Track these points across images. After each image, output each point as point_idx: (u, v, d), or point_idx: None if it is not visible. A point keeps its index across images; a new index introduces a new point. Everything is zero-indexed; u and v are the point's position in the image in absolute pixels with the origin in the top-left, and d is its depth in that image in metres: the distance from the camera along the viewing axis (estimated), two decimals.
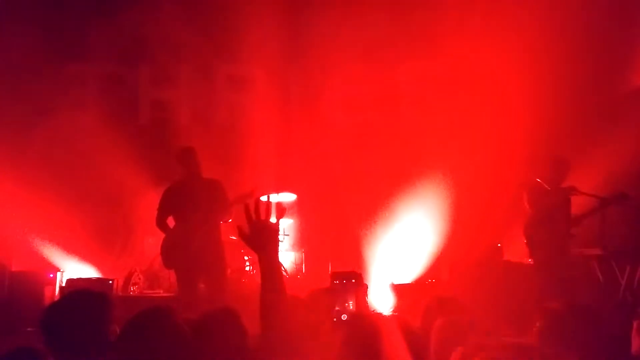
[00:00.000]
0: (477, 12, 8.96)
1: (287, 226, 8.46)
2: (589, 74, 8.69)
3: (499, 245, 8.27)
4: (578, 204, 6.92)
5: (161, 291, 8.06)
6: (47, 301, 7.17)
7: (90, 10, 8.89)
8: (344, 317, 1.92)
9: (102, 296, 2.77)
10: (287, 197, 8.25)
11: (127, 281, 8.09)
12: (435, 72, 9.57)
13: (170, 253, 6.41)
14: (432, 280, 8.29)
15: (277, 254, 2.39)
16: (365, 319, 2.09)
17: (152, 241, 8.05)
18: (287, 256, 8.62)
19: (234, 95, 9.49)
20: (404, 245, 8.84)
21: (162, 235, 6.50)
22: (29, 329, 6.36)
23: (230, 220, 6.44)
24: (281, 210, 2.60)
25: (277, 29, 8.44)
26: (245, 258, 8.12)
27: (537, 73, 8.30)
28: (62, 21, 8.85)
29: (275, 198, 8.00)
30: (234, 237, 7.48)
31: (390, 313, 6.93)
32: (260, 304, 2.29)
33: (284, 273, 8.11)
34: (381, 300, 8.25)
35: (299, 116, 9.06)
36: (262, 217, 2.28)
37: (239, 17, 8.85)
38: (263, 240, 2.33)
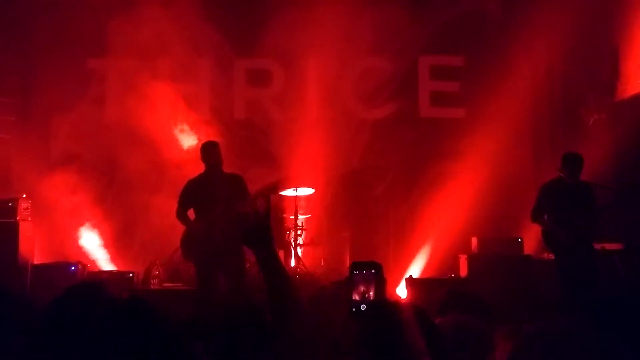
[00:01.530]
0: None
1: (304, 221, 8.45)
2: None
3: (519, 239, 8.21)
4: (598, 198, 6.88)
5: (181, 284, 8.08)
6: None
7: (109, 5, 8.91)
8: (363, 307, 1.93)
9: (98, 287, 2.67)
10: (305, 192, 8.22)
11: (147, 274, 8.11)
12: (454, 64, 9.51)
13: (189, 246, 6.45)
14: (452, 275, 8.26)
15: (274, 248, 2.36)
16: (384, 308, 2.07)
17: (172, 234, 8.06)
18: (305, 251, 8.60)
19: (253, 89, 9.46)
20: (423, 239, 8.80)
21: (182, 228, 6.54)
22: None
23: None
24: (265, 205, 2.58)
25: (295, 22, 8.42)
26: None
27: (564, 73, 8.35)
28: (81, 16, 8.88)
29: (293, 193, 8.00)
30: None
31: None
32: (270, 303, 2.26)
33: (301, 268, 8.10)
34: (399, 294, 8.23)
35: (318, 110, 9.03)
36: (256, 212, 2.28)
37: (257, 11, 8.86)
38: (258, 235, 2.29)
